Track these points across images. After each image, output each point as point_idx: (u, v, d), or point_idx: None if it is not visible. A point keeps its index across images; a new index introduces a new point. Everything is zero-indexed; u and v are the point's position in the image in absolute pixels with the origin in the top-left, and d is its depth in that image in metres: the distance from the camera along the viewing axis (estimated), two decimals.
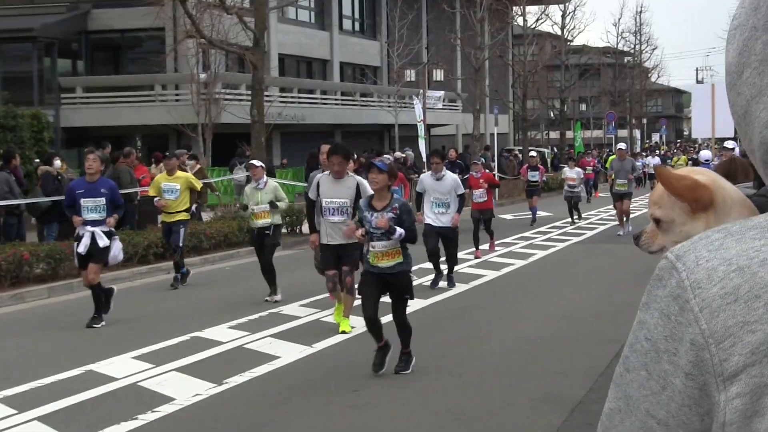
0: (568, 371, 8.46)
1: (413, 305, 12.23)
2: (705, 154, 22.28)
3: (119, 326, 11.29)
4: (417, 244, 14.11)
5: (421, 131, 32.18)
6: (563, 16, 51.53)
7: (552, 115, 63.57)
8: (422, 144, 31.81)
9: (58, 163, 18.83)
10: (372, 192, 9.31)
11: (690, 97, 27.85)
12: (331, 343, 9.99)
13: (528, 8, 47.14)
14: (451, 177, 13.86)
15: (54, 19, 32.72)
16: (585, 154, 40.20)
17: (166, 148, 30.55)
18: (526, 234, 21.62)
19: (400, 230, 8.22)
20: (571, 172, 24.63)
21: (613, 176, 21.88)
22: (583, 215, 28.04)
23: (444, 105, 43.71)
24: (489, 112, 45.70)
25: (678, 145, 73.82)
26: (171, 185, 14.44)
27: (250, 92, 24.87)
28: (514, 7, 45.27)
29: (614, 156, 23.66)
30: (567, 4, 51.69)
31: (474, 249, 17.51)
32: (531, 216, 24.39)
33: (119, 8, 33.09)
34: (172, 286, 14.33)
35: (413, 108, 33.38)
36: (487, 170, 21.20)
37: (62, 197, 16.81)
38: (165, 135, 32.92)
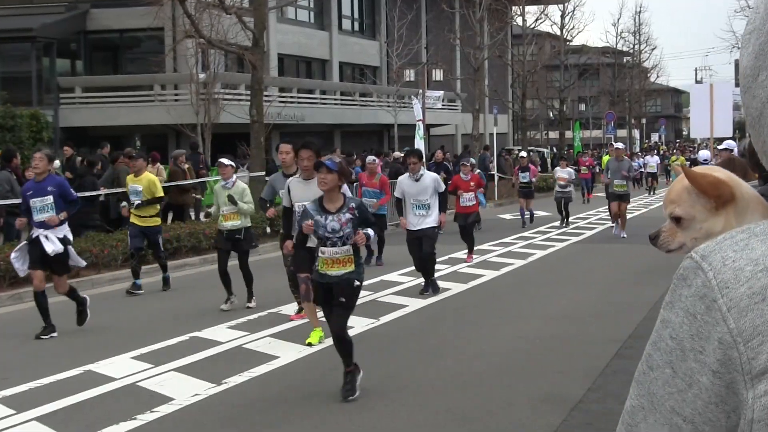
0: (567, 371, 8.46)
1: (413, 305, 12.25)
2: (704, 153, 22.25)
3: (118, 326, 11.29)
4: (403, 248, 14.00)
5: (420, 131, 32.15)
6: (562, 16, 51.56)
7: (551, 115, 63.56)
8: (421, 144, 31.75)
9: (57, 163, 18.83)
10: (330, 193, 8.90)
11: (689, 97, 27.86)
12: (330, 343, 9.96)
13: (527, 8, 47.19)
14: (430, 176, 13.20)
15: (53, 19, 32.72)
16: (583, 153, 40.01)
17: (166, 148, 30.59)
18: (526, 234, 21.62)
19: (370, 232, 7.73)
20: (563, 172, 23.73)
21: (608, 176, 21.19)
22: (579, 215, 28.02)
23: (443, 105, 43.70)
24: (488, 112, 45.70)
25: (677, 145, 73.82)
26: (135, 187, 13.95)
27: (249, 92, 24.87)
28: (514, 7, 45.27)
29: (609, 156, 22.10)
30: (566, 4, 51.72)
31: (466, 253, 16.92)
32: (521, 218, 23.90)
33: (118, 8, 33.08)
34: (164, 289, 14.24)
35: (412, 108, 33.39)
36: (479, 171, 20.86)
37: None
38: (164, 135, 32.92)
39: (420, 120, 30.58)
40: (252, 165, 23.01)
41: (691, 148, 56.05)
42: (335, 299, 7.64)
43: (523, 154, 27.19)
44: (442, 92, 42.12)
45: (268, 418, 7.27)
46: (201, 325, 10.96)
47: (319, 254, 7.69)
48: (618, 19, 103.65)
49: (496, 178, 34.56)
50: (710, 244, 1.00)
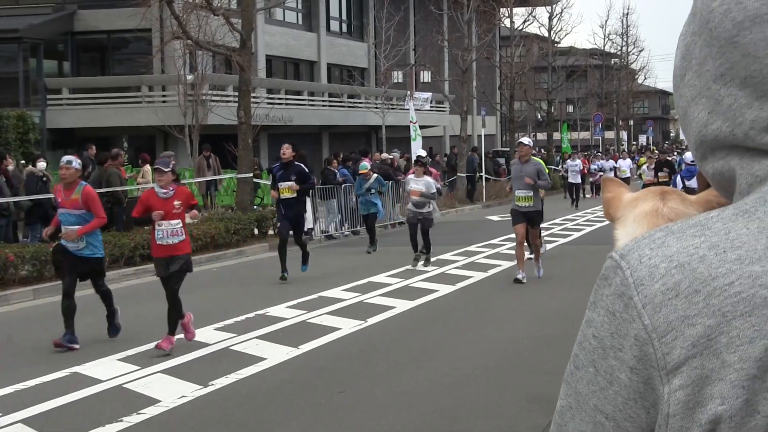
0: (554, 371, 8.46)
1: (400, 307, 12.25)
2: (690, 155, 22.36)
3: (104, 328, 11.24)
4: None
5: (414, 132, 32.12)
6: (550, 18, 51.64)
7: (539, 116, 63.63)
8: (414, 145, 31.55)
9: (42, 164, 18.75)
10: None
11: None
12: (318, 344, 9.97)
13: (515, 10, 47.22)
14: None
15: (40, 19, 32.59)
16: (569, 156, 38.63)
17: (153, 150, 30.51)
18: (513, 235, 21.58)
19: None
20: (417, 183, 16.22)
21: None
22: (567, 216, 27.85)
23: (431, 106, 43.73)
24: (476, 114, 45.75)
25: (666, 147, 74.01)
26: None
27: (237, 93, 24.83)
28: (502, 9, 45.32)
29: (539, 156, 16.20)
30: (554, 6, 51.80)
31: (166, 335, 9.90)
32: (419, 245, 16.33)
33: (105, 9, 32.99)
34: None
35: (400, 110, 33.38)
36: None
37: (45, 197, 16.75)
38: (152, 136, 32.84)
39: (411, 122, 30.62)
40: (239, 167, 22.98)
41: (679, 150, 56.11)
42: None
43: (422, 153, 20.14)
44: (430, 94, 42.17)
45: (256, 419, 7.25)
46: None
47: None
48: (606, 21, 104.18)
49: (483, 179, 34.59)
50: (629, 244, 1.02)
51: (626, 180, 32.94)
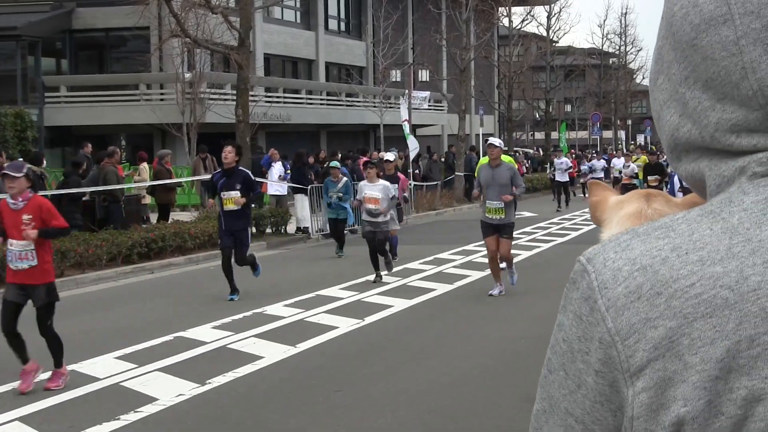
0: None
1: (398, 306, 12.24)
2: None
3: (102, 326, 11.24)
4: None
5: (407, 130, 32.05)
6: (548, 18, 51.67)
7: (537, 116, 63.62)
8: (410, 143, 31.44)
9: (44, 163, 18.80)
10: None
11: None
12: (315, 343, 9.97)
13: (513, 9, 47.23)
14: None
15: (38, 17, 32.59)
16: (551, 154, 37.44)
17: (151, 148, 30.50)
18: None
19: None
20: (373, 189, 14.40)
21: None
22: (565, 216, 27.88)
23: (429, 105, 43.73)
24: (474, 113, 45.77)
25: (657, 146, 73.98)
26: None
27: (235, 92, 24.81)
28: (500, 8, 45.33)
29: (485, 160, 13.52)
30: (552, 5, 51.82)
31: None
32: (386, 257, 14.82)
33: (104, 7, 32.98)
34: None
35: (398, 108, 33.34)
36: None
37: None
38: (149, 134, 32.84)
39: (405, 120, 30.55)
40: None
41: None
42: None
43: (389, 156, 18.25)
44: (428, 93, 42.14)
45: (253, 418, 7.24)
46: (185, 325, 10.93)
47: None
48: (604, 21, 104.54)
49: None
50: (596, 247, 1.04)
51: (618, 181, 32.58)
